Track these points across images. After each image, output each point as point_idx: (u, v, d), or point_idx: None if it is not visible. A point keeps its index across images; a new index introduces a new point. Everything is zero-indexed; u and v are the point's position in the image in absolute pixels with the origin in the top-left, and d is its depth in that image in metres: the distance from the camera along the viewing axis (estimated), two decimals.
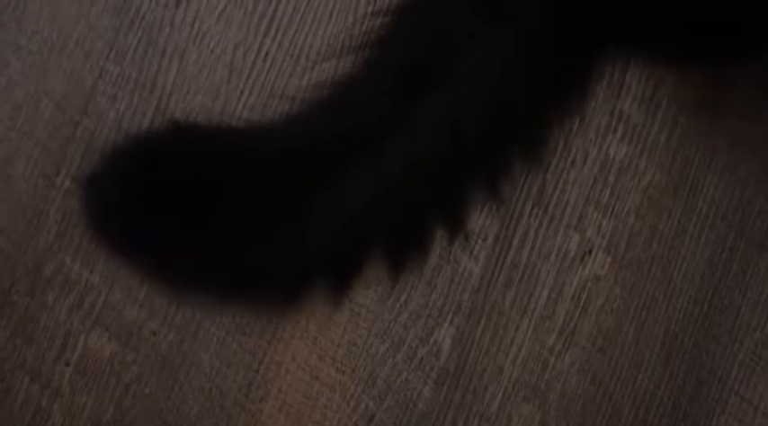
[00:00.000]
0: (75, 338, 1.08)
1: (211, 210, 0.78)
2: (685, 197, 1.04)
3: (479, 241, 1.06)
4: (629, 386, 1.04)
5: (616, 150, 1.05)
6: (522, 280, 1.06)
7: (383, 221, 0.81)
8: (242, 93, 1.09)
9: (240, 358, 1.06)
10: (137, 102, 1.10)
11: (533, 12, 0.83)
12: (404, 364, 1.06)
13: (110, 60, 1.10)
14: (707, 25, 0.86)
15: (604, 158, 1.05)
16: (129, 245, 0.78)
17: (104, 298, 1.08)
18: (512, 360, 1.05)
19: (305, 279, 0.79)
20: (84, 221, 0.77)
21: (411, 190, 0.82)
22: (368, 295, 1.06)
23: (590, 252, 1.05)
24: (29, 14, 1.12)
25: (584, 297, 1.05)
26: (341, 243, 0.80)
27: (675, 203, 1.05)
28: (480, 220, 1.06)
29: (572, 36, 0.84)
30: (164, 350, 1.07)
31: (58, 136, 1.10)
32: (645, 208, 1.05)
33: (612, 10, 0.85)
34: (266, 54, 1.09)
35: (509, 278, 1.06)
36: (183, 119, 0.84)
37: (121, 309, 1.08)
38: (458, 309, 1.06)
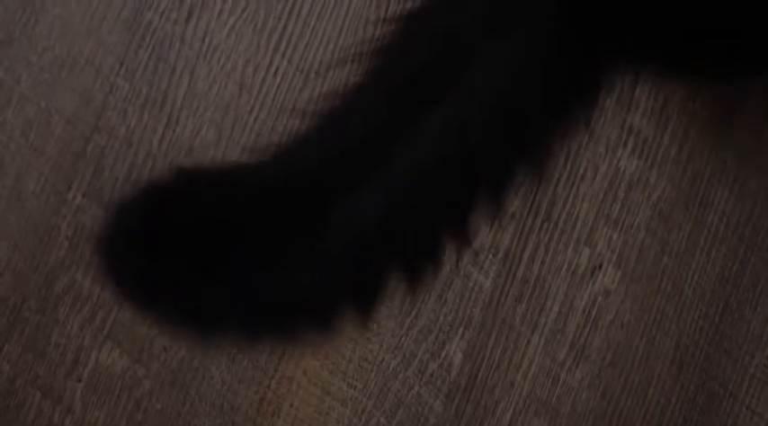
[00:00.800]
0: (87, 354, 1.09)
1: (226, 252, 0.78)
2: (696, 211, 1.04)
3: (490, 255, 1.06)
4: (639, 400, 1.04)
5: (626, 164, 1.05)
6: (532, 295, 1.06)
7: (397, 237, 0.81)
8: (252, 108, 1.09)
9: (251, 373, 1.06)
10: (147, 118, 1.10)
11: (543, 21, 0.83)
12: (415, 378, 1.06)
13: (120, 76, 1.11)
14: (717, 39, 0.86)
15: (614, 172, 1.05)
16: (152, 299, 0.78)
17: (115, 314, 1.08)
18: (522, 375, 1.05)
19: (332, 305, 0.80)
20: (105, 281, 0.77)
21: (421, 202, 0.82)
22: (379, 310, 1.06)
23: (600, 267, 1.05)
24: (40, 31, 1.12)
25: (594, 312, 1.05)
26: (360, 264, 0.80)
27: (686, 217, 1.05)
28: (491, 235, 1.06)
29: (582, 45, 0.84)
30: (175, 366, 1.07)
31: (68, 152, 1.11)
32: (655, 223, 1.05)
33: (623, 20, 0.85)
34: (276, 69, 1.09)
35: (519, 292, 1.06)
36: (188, 165, 0.84)
37: (132, 325, 1.08)
38: (468, 324, 1.06)
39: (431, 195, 0.82)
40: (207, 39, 1.10)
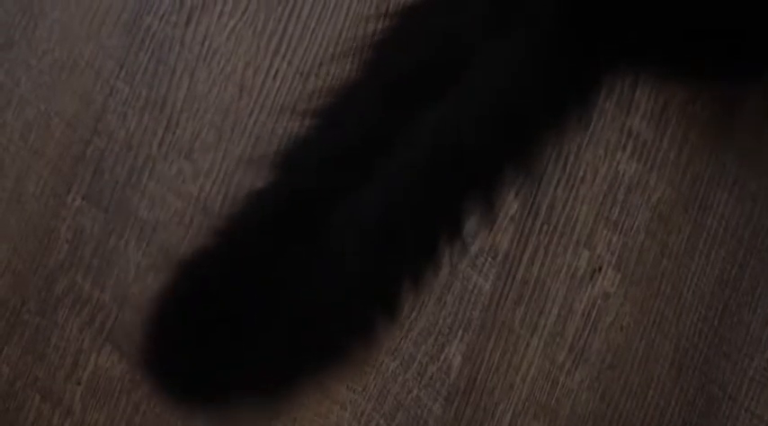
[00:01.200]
0: (86, 356, 1.08)
1: (263, 304, 0.78)
2: (695, 213, 1.04)
3: (489, 258, 1.06)
4: (639, 403, 1.04)
5: (626, 167, 1.05)
6: (531, 298, 1.06)
7: (397, 237, 0.81)
8: (252, 110, 1.09)
9: None
10: (147, 121, 1.10)
11: (543, 21, 0.83)
12: (414, 381, 1.06)
13: (120, 79, 1.11)
14: (717, 38, 0.86)
15: (614, 175, 1.05)
16: (225, 391, 0.79)
17: (115, 317, 1.08)
18: (522, 378, 1.05)
19: (358, 311, 0.80)
20: (171, 400, 0.78)
21: (419, 202, 0.82)
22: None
23: (600, 269, 1.05)
24: (40, 34, 1.12)
25: (593, 314, 1.05)
26: (366, 264, 0.80)
27: (685, 220, 1.05)
28: (490, 237, 1.06)
29: (581, 45, 0.84)
30: None
31: (68, 154, 1.11)
32: (655, 225, 1.05)
33: (622, 20, 0.85)
34: (276, 72, 1.09)
35: (519, 295, 1.06)
36: (188, 258, 0.84)
37: (131, 327, 1.08)
38: (468, 326, 1.06)
39: (429, 195, 0.82)
40: (207, 43, 1.10)
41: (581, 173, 1.06)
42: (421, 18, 0.87)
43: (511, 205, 1.06)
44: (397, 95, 0.82)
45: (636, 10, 0.84)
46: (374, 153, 0.81)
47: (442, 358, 1.06)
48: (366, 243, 0.80)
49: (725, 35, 0.86)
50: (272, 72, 1.09)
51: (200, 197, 1.08)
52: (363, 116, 0.82)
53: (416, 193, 0.81)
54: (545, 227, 1.06)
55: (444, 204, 0.83)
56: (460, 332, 1.06)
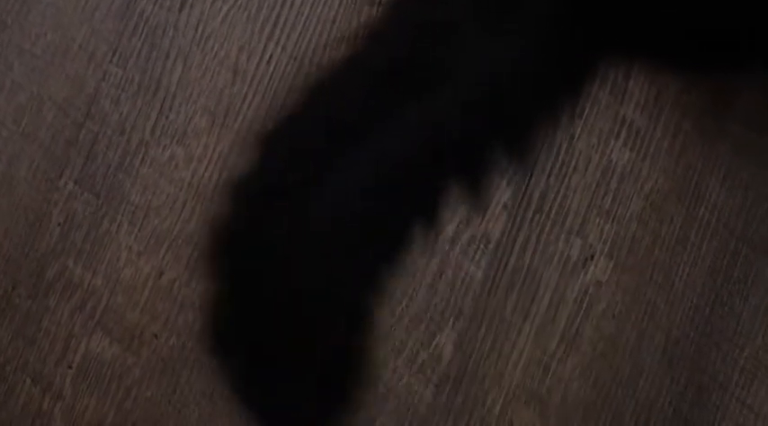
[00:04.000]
0: (77, 341, 1.08)
1: None
2: (688, 203, 1.05)
3: (481, 246, 1.06)
4: (630, 391, 1.04)
5: (619, 156, 1.05)
6: (523, 285, 1.06)
7: (371, 224, 0.82)
8: (245, 95, 1.09)
9: None
10: (140, 105, 1.10)
11: (535, 15, 0.83)
12: (405, 368, 1.06)
13: (113, 63, 1.11)
14: (712, 34, 0.86)
15: (607, 164, 1.05)
16: None
17: (106, 302, 1.08)
18: (513, 365, 1.05)
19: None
20: None
21: (391, 189, 0.82)
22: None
23: (592, 258, 1.05)
24: (33, 18, 1.12)
25: (585, 303, 1.05)
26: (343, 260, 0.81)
27: (678, 209, 1.05)
28: (482, 225, 1.06)
29: (573, 33, 0.84)
30: (165, 354, 1.07)
31: (60, 139, 1.10)
32: (647, 214, 1.05)
33: (617, 17, 0.85)
34: (270, 57, 1.09)
35: (511, 283, 1.06)
36: None
37: (123, 312, 1.08)
38: (459, 314, 1.06)
39: (403, 184, 0.83)
40: (200, 27, 1.10)
41: (574, 162, 1.06)
42: (412, 8, 0.87)
43: (503, 193, 1.06)
44: (386, 84, 0.83)
45: (634, 12, 0.84)
46: (351, 141, 0.81)
47: (434, 345, 1.06)
48: (340, 232, 0.80)
49: (718, 28, 0.86)
50: (266, 57, 1.09)
51: (193, 182, 1.08)
52: (348, 104, 0.83)
53: (390, 182, 0.81)
54: (537, 216, 1.06)
55: (419, 195, 0.84)
56: (452, 320, 1.06)
